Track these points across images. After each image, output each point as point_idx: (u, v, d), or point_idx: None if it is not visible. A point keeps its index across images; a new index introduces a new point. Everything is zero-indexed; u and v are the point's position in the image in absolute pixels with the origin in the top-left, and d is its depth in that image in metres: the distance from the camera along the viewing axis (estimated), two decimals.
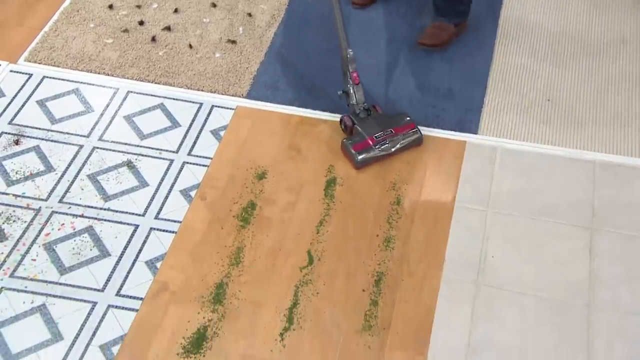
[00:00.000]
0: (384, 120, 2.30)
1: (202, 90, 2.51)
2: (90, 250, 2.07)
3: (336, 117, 2.42)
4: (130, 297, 1.97)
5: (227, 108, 2.46)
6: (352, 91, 2.30)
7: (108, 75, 2.55)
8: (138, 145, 2.34)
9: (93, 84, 2.52)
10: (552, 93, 2.51)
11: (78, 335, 1.89)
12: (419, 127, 2.31)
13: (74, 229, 2.11)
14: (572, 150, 2.32)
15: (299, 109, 2.46)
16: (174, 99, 2.49)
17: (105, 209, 2.17)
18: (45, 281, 1.99)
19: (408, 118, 2.32)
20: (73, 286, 1.98)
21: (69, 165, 2.28)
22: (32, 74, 2.54)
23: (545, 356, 1.85)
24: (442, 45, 2.63)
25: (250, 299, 1.97)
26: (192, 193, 2.21)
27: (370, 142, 2.24)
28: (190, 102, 2.48)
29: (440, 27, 2.64)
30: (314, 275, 2.02)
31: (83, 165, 2.28)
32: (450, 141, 2.35)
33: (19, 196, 2.19)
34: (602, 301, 1.95)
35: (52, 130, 2.37)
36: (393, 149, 2.26)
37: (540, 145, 2.34)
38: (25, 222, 2.13)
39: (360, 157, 2.23)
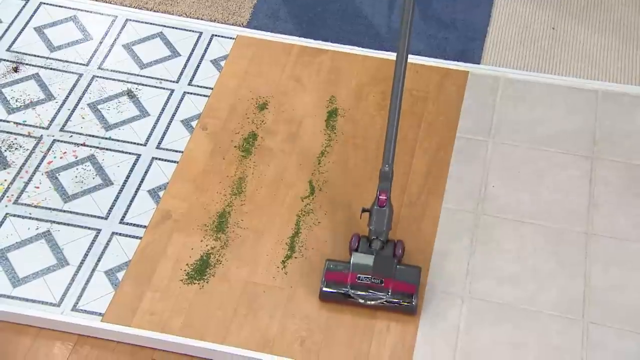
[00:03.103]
0: (386, 265, 1.83)
1: (201, 19, 2.47)
2: (93, 178, 2.08)
3: (338, 48, 2.40)
4: (134, 224, 1.99)
5: (228, 37, 2.43)
6: (373, 214, 1.87)
7: (106, 2, 2.51)
8: (138, 75, 2.32)
9: (91, 11, 2.48)
10: (557, 21, 2.48)
11: (83, 261, 1.91)
12: (416, 295, 1.82)
13: (76, 158, 2.12)
14: (575, 79, 2.31)
15: (300, 39, 2.43)
16: (173, 27, 2.45)
17: (106, 138, 2.17)
18: (49, 208, 2.01)
19: (416, 277, 1.84)
20: (77, 214, 2.00)
21: (69, 93, 2.27)
22: (28, 0, 2.50)
23: (543, 282, 1.89)
24: None
25: (253, 227, 1.99)
26: (193, 123, 2.21)
27: (348, 281, 1.82)
28: (189, 31, 2.44)
29: None
30: (315, 205, 2.03)
31: (83, 94, 2.27)
32: (452, 71, 2.34)
33: (20, 124, 2.19)
34: (599, 228, 1.98)
35: (50, 58, 2.35)
36: (367, 302, 1.81)
37: (543, 75, 2.33)
38: (27, 150, 2.13)
39: (324, 289, 1.83)
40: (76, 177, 2.08)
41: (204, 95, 2.28)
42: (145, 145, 2.16)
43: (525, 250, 1.95)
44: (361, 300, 1.81)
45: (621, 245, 1.95)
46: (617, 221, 1.99)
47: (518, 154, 2.14)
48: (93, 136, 2.17)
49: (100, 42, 2.40)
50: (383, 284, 1.81)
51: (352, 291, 1.81)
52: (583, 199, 2.04)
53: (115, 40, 2.41)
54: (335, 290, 1.83)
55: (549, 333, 1.81)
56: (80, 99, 2.26)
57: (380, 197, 1.87)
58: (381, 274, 1.82)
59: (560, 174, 2.09)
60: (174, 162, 2.12)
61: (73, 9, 2.49)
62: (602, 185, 2.07)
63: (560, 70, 2.34)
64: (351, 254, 1.87)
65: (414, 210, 2.03)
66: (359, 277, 1.82)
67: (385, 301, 1.81)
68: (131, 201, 2.03)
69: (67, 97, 2.26)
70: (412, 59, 2.36)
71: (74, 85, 2.29)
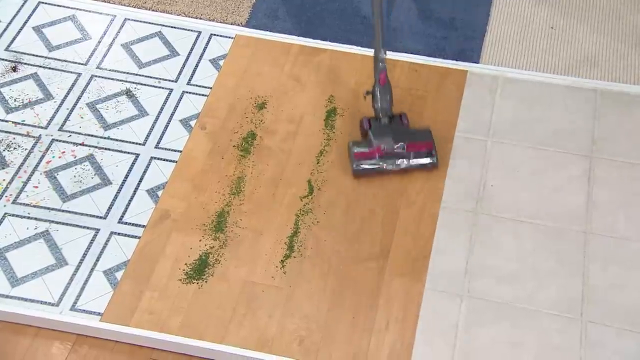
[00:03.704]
0: (402, 134, 2.07)
1: (200, 19, 2.47)
2: (92, 178, 2.08)
3: (336, 47, 2.40)
4: (133, 224, 1.99)
5: (226, 37, 2.43)
6: (377, 94, 2.08)
7: (105, 1, 2.50)
8: (137, 74, 2.32)
9: (89, 11, 2.48)
10: (556, 21, 2.48)
11: (82, 260, 1.91)
12: (435, 151, 2.07)
13: (75, 157, 2.12)
14: (575, 78, 2.31)
15: (299, 38, 2.43)
16: (171, 27, 2.45)
17: (105, 138, 2.16)
18: (48, 208, 2.01)
19: (430, 136, 2.08)
20: (75, 213, 2.00)
21: (68, 93, 2.27)
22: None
23: (542, 281, 1.89)
24: None
25: (251, 227, 1.99)
26: (192, 123, 2.21)
27: (377, 154, 2.05)
28: (188, 30, 2.44)
29: None
30: (314, 205, 2.03)
31: (82, 93, 2.27)
32: (451, 71, 2.34)
33: (19, 124, 2.19)
34: (598, 227, 1.98)
35: (49, 58, 2.35)
36: (398, 168, 2.05)
37: (542, 74, 2.33)
38: (25, 149, 2.13)
39: (358, 167, 2.05)
40: (75, 176, 2.08)
41: (203, 95, 2.28)
42: (144, 144, 2.16)
43: (524, 250, 1.95)
44: (391, 167, 2.05)
45: (620, 245, 1.95)
46: (615, 220, 1.99)
47: (517, 153, 2.14)
48: (92, 136, 2.17)
49: (99, 42, 2.40)
50: (405, 149, 2.05)
51: (382, 161, 2.04)
52: (582, 198, 2.04)
53: (113, 39, 2.41)
54: (367, 166, 2.05)
55: (548, 332, 1.81)
56: (78, 98, 2.25)
57: (380, 77, 2.07)
58: (401, 141, 2.05)
59: (559, 173, 2.09)
60: (173, 161, 2.12)
61: (72, 8, 2.49)
62: (600, 185, 2.07)
63: (559, 69, 2.34)
64: (366, 134, 2.09)
65: (413, 209, 2.03)
66: (384, 148, 2.04)
67: (411, 163, 2.05)
68: (130, 201, 2.03)
69: (66, 96, 2.26)
70: (411, 58, 2.37)
71: (73, 85, 2.28)
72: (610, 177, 2.08)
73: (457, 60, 2.37)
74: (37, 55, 2.35)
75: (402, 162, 2.05)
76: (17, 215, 1.99)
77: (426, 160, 2.06)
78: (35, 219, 1.99)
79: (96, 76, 2.31)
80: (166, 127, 2.20)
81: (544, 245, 1.95)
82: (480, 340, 1.80)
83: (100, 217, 2.00)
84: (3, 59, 2.34)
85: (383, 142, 2.05)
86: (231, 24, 2.47)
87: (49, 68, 2.32)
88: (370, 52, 2.39)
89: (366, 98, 2.15)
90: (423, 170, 2.09)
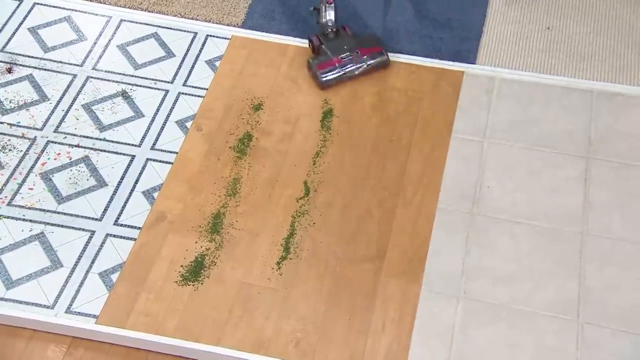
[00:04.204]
0: (351, 42, 2.31)
1: (196, 20, 2.47)
2: (87, 180, 2.07)
3: None
4: (128, 226, 1.98)
5: (222, 38, 2.42)
6: (323, 10, 2.31)
7: (100, 2, 2.50)
8: (132, 75, 2.32)
9: (85, 12, 2.48)
10: (552, 21, 2.48)
11: (77, 263, 1.91)
12: (386, 50, 2.31)
13: (70, 159, 2.11)
14: (571, 79, 2.31)
15: (295, 39, 2.42)
16: (167, 28, 2.44)
17: (101, 139, 2.16)
18: (43, 210, 2.00)
19: (376, 40, 2.34)
20: (71, 215, 2.00)
21: (63, 94, 2.26)
22: (22, 0, 2.49)
23: (539, 283, 1.89)
24: None
25: (247, 229, 1.98)
26: (188, 124, 2.20)
27: (336, 63, 2.26)
28: (184, 31, 2.44)
29: None
30: (311, 206, 2.03)
31: (77, 94, 2.26)
32: (447, 71, 2.33)
33: (14, 125, 2.18)
34: (594, 228, 1.98)
35: (44, 59, 2.34)
36: (357, 71, 2.27)
37: (539, 75, 2.32)
38: (21, 151, 2.12)
39: (324, 77, 2.25)
40: (70, 178, 2.07)
41: (199, 96, 2.27)
42: (139, 146, 2.15)
43: (521, 251, 1.94)
44: (355, 72, 2.27)
45: (616, 246, 1.95)
46: (612, 221, 1.99)
47: (513, 154, 2.14)
48: (87, 137, 2.16)
49: (95, 43, 2.39)
50: (360, 54, 2.28)
51: (343, 68, 2.26)
52: (578, 199, 2.04)
53: (109, 40, 2.40)
54: (332, 75, 2.26)
55: (544, 333, 1.81)
56: (74, 99, 2.25)
57: None
58: (353, 48, 2.29)
59: (556, 174, 2.09)
60: (169, 163, 2.12)
61: (67, 9, 2.48)
62: (597, 186, 2.06)
63: (555, 70, 2.34)
64: (318, 51, 2.31)
65: (410, 210, 2.02)
66: (342, 56, 2.27)
67: (367, 64, 2.27)
68: (125, 202, 2.03)
69: (61, 98, 2.25)
70: (408, 59, 2.37)
71: (68, 86, 2.28)
72: (607, 178, 2.08)
73: (453, 61, 2.36)
74: (32, 57, 2.34)
75: (362, 66, 2.27)
76: (12, 217, 1.99)
77: (382, 58, 2.29)
78: (31, 220, 1.98)
79: (92, 77, 2.31)
80: (162, 128, 2.20)
81: (541, 246, 1.95)
82: (477, 342, 1.79)
83: (96, 219, 1.99)
84: None
85: (338, 52, 2.28)
86: (227, 25, 2.46)
87: (45, 69, 2.32)
88: None
89: (311, 14, 2.35)
90: (419, 166, 2.09)
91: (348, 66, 2.26)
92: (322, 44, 2.30)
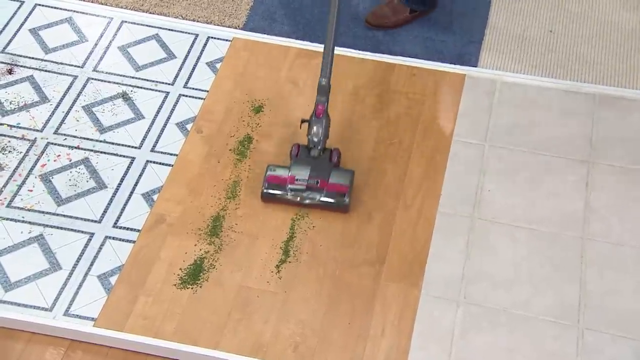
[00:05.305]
0: (323, 169, 2.01)
1: (197, 21, 2.46)
2: (87, 182, 2.07)
3: (336, 50, 2.38)
4: (128, 228, 1.98)
5: (224, 40, 2.42)
6: (312, 125, 2.03)
7: (101, 4, 2.50)
8: (133, 77, 2.31)
9: (86, 13, 2.47)
10: (554, 25, 2.47)
11: (76, 265, 1.90)
12: (350, 194, 2.00)
13: (70, 161, 2.11)
14: (572, 83, 2.30)
15: (296, 41, 2.42)
16: (169, 29, 2.44)
17: (101, 141, 2.16)
18: (43, 212, 2.00)
19: (349, 179, 2.01)
20: (70, 217, 1.99)
21: (64, 96, 2.26)
22: (23, 1, 2.49)
23: (539, 287, 1.88)
24: (385, 28, 2.43)
25: (247, 232, 1.98)
26: (189, 126, 2.20)
27: (288, 183, 2.00)
28: (185, 33, 2.43)
29: (393, 9, 2.43)
30: (310, 209, 2.02)
31: (78, 96, 2.26)
32: (449, 74, 2.33)
33: (14, 126, 2.18)
34: (595, 233, 1.97)
35: (45, 60, 2.34)
36: (305, 201, 2.00)
37: (540, 78, 2.31)
38: (20, 152, 2.12)
39: (266, 190, 2.01)
40: (70, 180, 2.07)
41: (200, 98, 2.27)
42: (139, 148, 2.15)
43: (521, 255, 1.94)
44: (298, 199, 2.00)
45: (617, 250, 1.94)
46: (613, 226, 1.98)
47: (514, 158, 2.13)
48: (87, 139, 2.16)
49: (96, 44, 2.39)
50: (319, 185, 1.99)
51: (291, 192, 1.99)
52: (579, 204, 2.03)
53: (110, 42, 2.40)
54: (274, 191, 2.01)
55: (544, 338, 1.80)
56: (74, 101, 2.25)
57: (318, 108, 2.03)
58: (317, 176, 2.00)
59: (557, 178, 2.08)
60: (169, 165, 2.11)
61: (68, 10, 2.48)
62: (598, 190, 2.05)
63: (557, 73, 2.33)
64: (290, 159, 2.05)
65: (410, 214, 2.02)
66: (297, 179, 2.00)
67: (320, 200, 1.99)
68: (125, 205, 2.02)
69: (62, 99, 2.25)
70: (409, 62, 2.36)
71: (69, 88, 2.28)
72: (608, 182, 2.07)
73: (455, 63, 2.36)
74: (33, 58, 2.34)
75: (313, 197, 1.99)
76: (11, 219, 1.99)
77: (339, 201, 1.99)
78: (30, 222, 1.98)
79: (92, 79, 2.30)
80: (162, 130, 2.19)
81: (541, 250, 1.94)
82: (476, 346, 1.79)
83: (95, 221, 1.99)
84: None
85: (299, 173, 2.00)
86: (228, 26, 2.46)
87: (45, 71, 2.31)
88: (368, 55, 2.39)
89: (302, 127, 2.07)
90: (419, 169, 2.08)
91: (298, 192, 1.99)
92: (297, 156, 2.04)
